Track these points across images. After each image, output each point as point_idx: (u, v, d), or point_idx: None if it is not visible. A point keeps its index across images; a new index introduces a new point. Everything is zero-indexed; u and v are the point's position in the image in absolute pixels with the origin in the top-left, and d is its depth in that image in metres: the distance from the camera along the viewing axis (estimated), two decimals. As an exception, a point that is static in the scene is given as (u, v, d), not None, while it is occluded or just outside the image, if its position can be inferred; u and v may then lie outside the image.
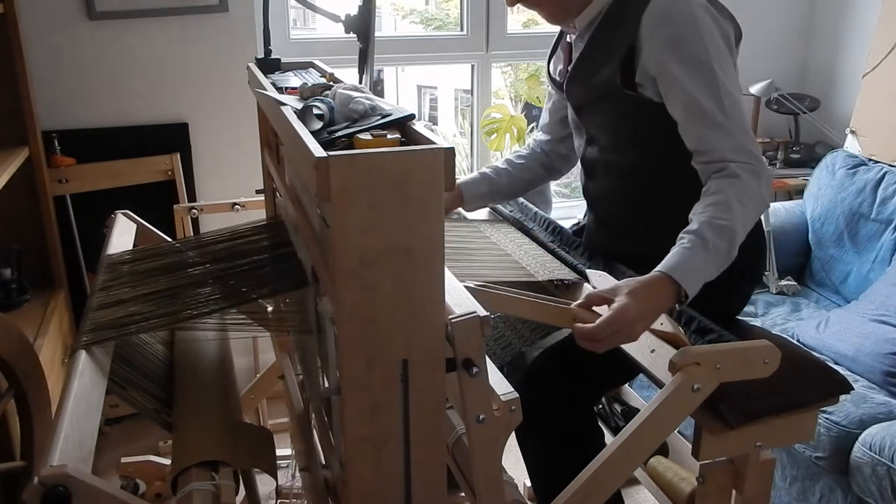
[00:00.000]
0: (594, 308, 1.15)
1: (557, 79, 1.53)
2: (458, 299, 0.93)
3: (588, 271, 1.36)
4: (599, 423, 1.59)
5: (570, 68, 1.45)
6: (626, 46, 1.31)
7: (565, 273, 1.38)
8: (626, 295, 1.11)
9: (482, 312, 0.88)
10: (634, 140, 1.40)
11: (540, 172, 1.68)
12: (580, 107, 1.46)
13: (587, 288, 1.31)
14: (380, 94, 1.17)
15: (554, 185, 2.96)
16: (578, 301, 1.18)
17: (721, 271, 1.20)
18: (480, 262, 1.43)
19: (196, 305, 1.19)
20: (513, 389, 0.96)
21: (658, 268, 1.15)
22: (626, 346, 1.15)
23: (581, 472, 1.04)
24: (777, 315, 2.43)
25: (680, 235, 1.19)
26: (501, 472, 0.99)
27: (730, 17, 1.34)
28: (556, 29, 1.52)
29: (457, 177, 1.67)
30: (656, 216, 1.41)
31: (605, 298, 1.13)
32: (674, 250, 1.17)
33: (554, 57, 1.57)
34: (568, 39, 1.49)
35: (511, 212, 1.72)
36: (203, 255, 1.40)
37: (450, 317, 0.87)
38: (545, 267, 1.39)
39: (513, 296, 1.22)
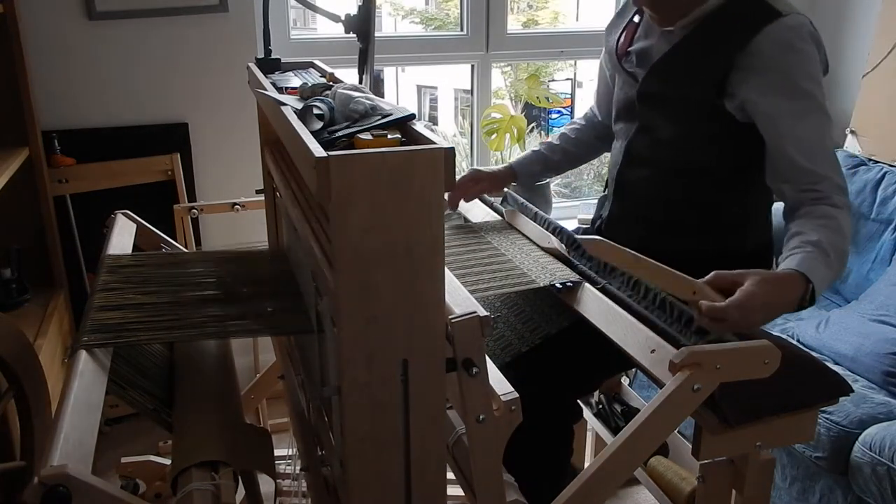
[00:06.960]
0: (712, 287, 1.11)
1: (613, 48, 1.53)
2: (458, 299, 0.93)
3: (580, 237, 1.37)
4: (578, 406, 1.56)
5: (646, 63, 1.44)
6: (729, 59, 1.31)
7: (567, 274, 1.38)
8: (757, 283, 1.08)
9: (482, 312, 0.88)
10: (699, 143, 1.41)
11: (595, 145, 1.70)
12: (650, 95, 1.45)
13: (588, 288, 1.31)
14: (380, 94, 1.17)
15: (554, 185, 2.96)
16: (705, 278, 1.12)
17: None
18: (480, 268, 1.43)
19: (198, 324, 1.20)
20: (513, 389, 0.96)
21: (792, 266, 1.14)
22: (625, 346, 1.15)
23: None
24: (777, 315, 2.43)
25: (795, 243, 1.18)
26: (501, 472, 0.99)
27: (824, 51, 1.36)
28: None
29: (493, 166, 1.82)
30: (693, 215, 1.42)
31: (734, 281, 1.09)
32: (799, 255, 1.16)
33: (614, 27, 1.56)
34: (636, 20, 1.49)
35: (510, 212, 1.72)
36: (207, 266, 1.41)
37: (450, 317, 0.87)
38: (546, 269, 1.39)
39: (633, 255, 1.20)
